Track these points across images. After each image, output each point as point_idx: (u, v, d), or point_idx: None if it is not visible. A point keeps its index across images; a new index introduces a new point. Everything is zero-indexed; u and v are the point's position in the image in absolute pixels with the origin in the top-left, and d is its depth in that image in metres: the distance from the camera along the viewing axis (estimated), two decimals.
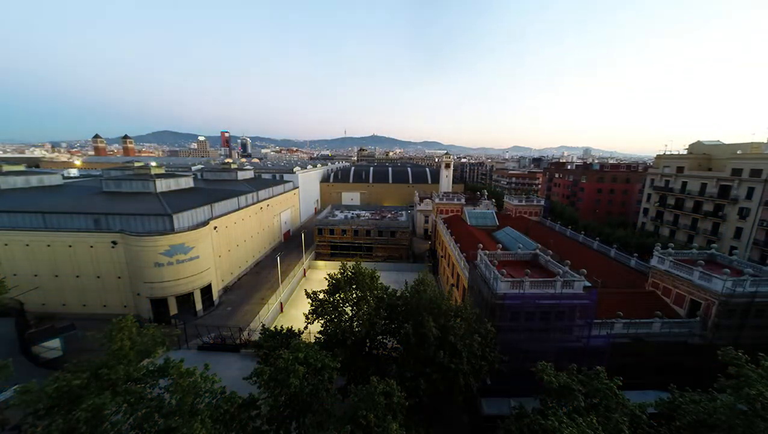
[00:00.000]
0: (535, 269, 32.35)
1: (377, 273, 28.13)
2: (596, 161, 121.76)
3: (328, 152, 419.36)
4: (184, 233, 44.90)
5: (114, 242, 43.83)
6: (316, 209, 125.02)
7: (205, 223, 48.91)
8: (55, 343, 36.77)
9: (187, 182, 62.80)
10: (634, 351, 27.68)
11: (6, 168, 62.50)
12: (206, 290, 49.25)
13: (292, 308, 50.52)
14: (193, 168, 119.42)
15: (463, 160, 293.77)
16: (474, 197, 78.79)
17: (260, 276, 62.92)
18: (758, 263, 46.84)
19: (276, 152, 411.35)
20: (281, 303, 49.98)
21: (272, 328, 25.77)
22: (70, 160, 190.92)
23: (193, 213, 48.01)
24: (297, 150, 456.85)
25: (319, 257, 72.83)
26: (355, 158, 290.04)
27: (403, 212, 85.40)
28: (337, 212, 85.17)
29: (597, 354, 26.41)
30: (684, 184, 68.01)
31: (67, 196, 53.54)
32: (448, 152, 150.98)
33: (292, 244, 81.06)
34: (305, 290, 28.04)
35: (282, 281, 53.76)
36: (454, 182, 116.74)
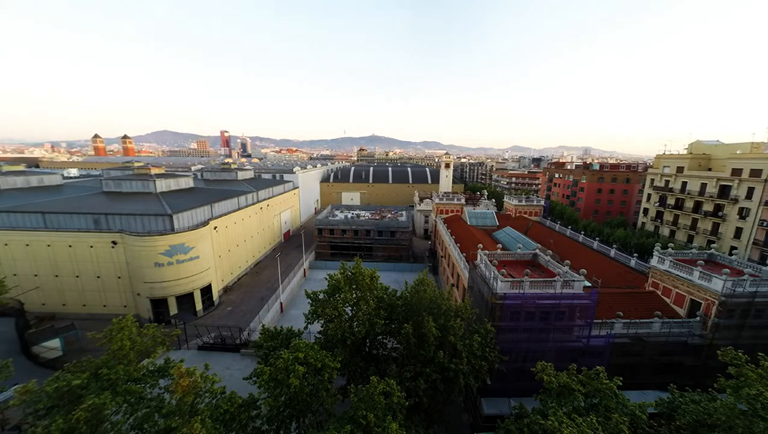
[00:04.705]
0: (535, 269, 32.36)
1: (377, 273, 28.10)
2: (596, 161, 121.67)
3: (327, 152, 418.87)
4: (184, 233, 44.91)
5: (114, 242, 43.83)
6: (316, 209, 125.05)
7: (205, 223, 48.91)
8: (55, 343, 36.87)
9: (187, 182, 62.82)
10: (634, 351, 27.71)
11: (6, 168, 62.49)
12: (206, 290, 49.25)
13: (292, 308, 50.57)
14: (193, 168, 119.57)
15: (463, 160, 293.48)
16: (474, 197, 78.83)
17: (260, 276, 62.94)
18: (758, 263, 46.87)
19: (276, 152, 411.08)
20: (281, 303, 50.00)
21: (272, 328, 25.76)
22: (70, 160, 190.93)
23: (193, 213, 48.01)
24: (297, 150, 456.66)
25: (319, 257, 72.88)
26: (355, 158, 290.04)
27: (403, 212, 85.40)
28: (337, 212, 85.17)
29: (597, 354, 26.45)
30: (684, 184, 68.04)
31: (67, 196, 53.53)
32: (448, 152, 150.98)
33: (292, 244, 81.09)
34: (305, 290, 27.99)
35: (282, 281, 53.75)
36: (454, 182, 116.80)
